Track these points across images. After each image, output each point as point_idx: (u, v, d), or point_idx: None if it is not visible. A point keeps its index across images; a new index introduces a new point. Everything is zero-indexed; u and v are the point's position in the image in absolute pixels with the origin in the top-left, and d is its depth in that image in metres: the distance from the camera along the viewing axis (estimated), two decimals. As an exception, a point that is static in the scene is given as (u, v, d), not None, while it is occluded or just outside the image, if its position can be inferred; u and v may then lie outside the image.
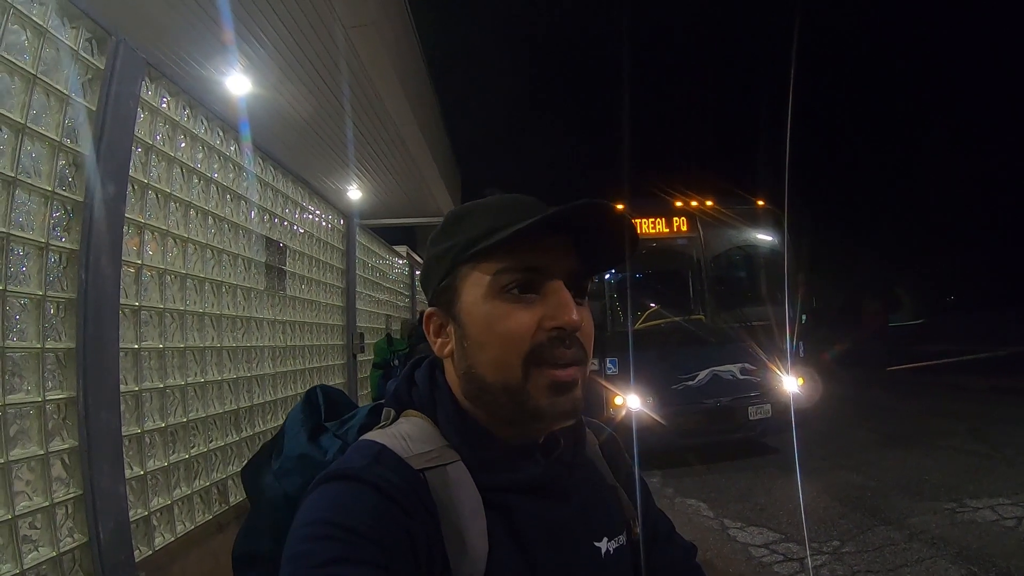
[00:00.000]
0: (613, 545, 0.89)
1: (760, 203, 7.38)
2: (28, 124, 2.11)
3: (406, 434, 0.81)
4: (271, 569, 0.67)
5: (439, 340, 0.88)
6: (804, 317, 7.19)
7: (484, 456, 0.81)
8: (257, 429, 4.04)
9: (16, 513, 2.01)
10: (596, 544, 0.87)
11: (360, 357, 6.63)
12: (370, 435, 0.83)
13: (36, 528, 2.11)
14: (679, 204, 7.20)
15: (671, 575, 0.99)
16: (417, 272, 11.41)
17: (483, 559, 0.73)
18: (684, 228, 7.12)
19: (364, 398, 6.68)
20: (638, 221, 7.02)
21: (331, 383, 5.77)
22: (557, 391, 0.77)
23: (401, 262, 10.09)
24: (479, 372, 0.81)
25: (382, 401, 0.94)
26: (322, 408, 1.01)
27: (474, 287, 0.81)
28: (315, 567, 0.63)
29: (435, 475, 0.77)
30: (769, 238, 7.30)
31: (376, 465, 0.74)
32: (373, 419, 0.92)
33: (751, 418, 6.57)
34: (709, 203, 7.16)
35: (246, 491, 1.03)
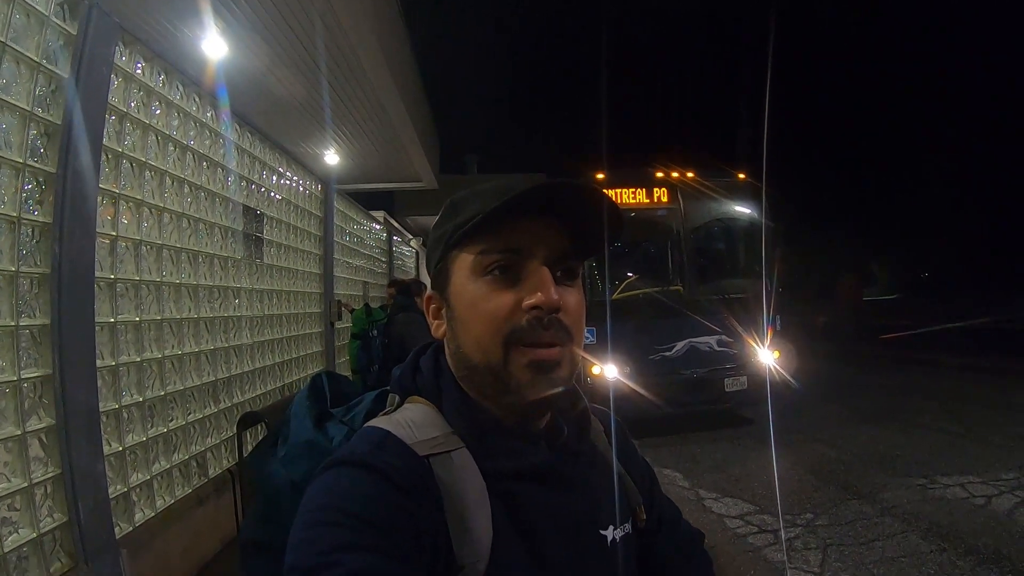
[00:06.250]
0: (619, 533, 0.89)
1: (741, 176, 7.39)
2: (-3, 93, 2.02)
3: (410, 420, 0.81)
4: (279, 556, 0.66)
5: (436, 322, 0.89)
6: (780, 290, 7.26)
7: (488, 443, 0.80)
8: (236, 400, 4.01)
9: (-6, 495, 1.98)
10: (602, 532, 0.87)
11: (337, 325, 6.58)
12: (375, 421, 0.82)
13: (15, 510, 2.08)
14: (660, 175, 7.18)
15: (677, 562, 1.00)
16: (395, 238, 11.33)
17: (487, 546, 0.73)
18: (664, 199, 7.10)
19: (342, 366, 6.66)
20: (619, 191, 6.99)
21: (309, 351, 5.75)
22: (538, 370, 0.76)
23: (378, 227, 9.99)
24: (465, 352, 0.81)
25: (387, 387, 0.93)
26: (327, 394, 1.00)
27: (461, 269, 0.81)
28: (319, 553, 0.62)
29: (439, 462, 0.76)
30: (748, 211, 7.32)
31: (380, 451, 0.74)
32: (379, 405, 0.91)
33: (727, 390, 6.66)
34: (690, 175, 7.15)
35: (252, 478, 1.02)
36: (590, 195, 0.79)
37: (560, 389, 0.79)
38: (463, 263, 0.81)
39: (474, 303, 0.79)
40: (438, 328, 0.88)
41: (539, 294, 0.75)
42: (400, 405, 0.87)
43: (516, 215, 0.77)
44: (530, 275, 0.77)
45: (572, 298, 0.80)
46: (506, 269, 0.78)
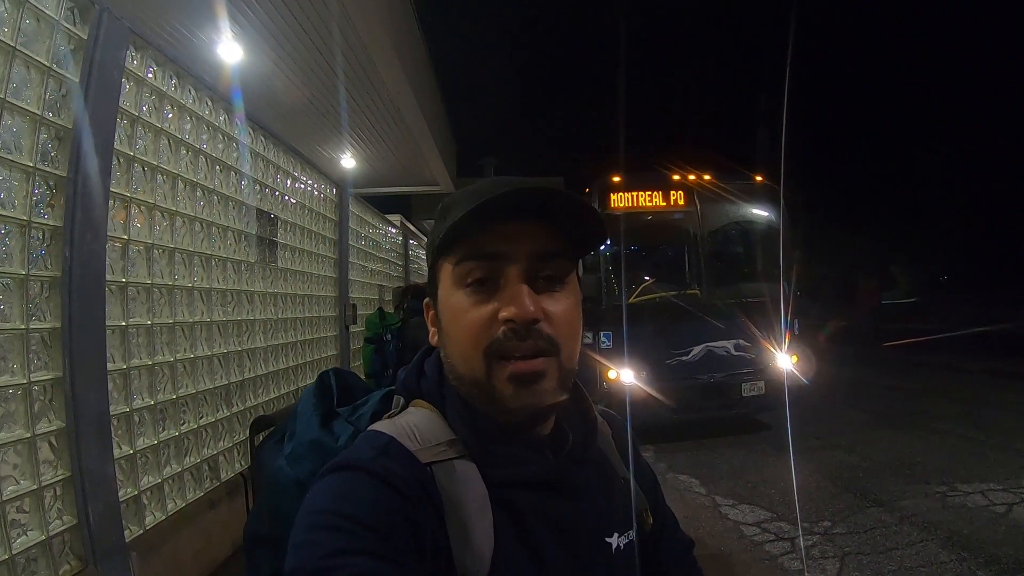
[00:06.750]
0: (624, 540, 0.88)
1: (758, 179, 7.30)
2: (7, 98, 2.03)
3: (414, 426, 0.80)
4: (282, 551, 0.66)
5: (433, 329, 0.88)
6: (799, 293, 7.16)
7: (491, 451, 0.79)
8: (249, 404, 4.02)
9: (3, 498, 1.99)
10: (607, 540, 0.86)
11: (353, 329, 6.60)
12: (379, 425, 0.82)
13: (24, 512, 2.08)
14: (676, 178, 7.11)
15: (673, 570, 0.99)
16: (411, 241, 11.37)
17: (488, 555, 0.72)
18: (681, 202, 7.03)
19: (356, 370, 6.68)
20: (635, 194, 6.95)
21: (323, 355, 5.76)
22: (519, 382, 0.75)
23: (394, 231, 10.02)
24: (452, 362, 0.81)
25: (393, 388, 0.93)
26: (335, 392, 0.99)
27: (445, 278, 0.81)
28: (321, 557, 0.62)
29: (442, 469, 0.76)
30: (766, 214, 7.23)
31: (383, 457, 0.73)
32: (385, 406, 0.91)
33: (744, 395, 6.58)
34: (707, 177, 7.08)
35: (258, 473, 1.03)
36: (565, 200, 0.77)
37: (553, 399, 0.77)
38: (446, 272, 0.80)
39: (455, 315, 0.78)
40: (433, 336, 0.87)
41: (512, 307, 0.74)
42: (404, 408, 0.86)
43: (501, 217, 0.75)
44: (507, 285, 0.76)
45: (558, 305, 0.78)
46: (484, 278, 0.77)
